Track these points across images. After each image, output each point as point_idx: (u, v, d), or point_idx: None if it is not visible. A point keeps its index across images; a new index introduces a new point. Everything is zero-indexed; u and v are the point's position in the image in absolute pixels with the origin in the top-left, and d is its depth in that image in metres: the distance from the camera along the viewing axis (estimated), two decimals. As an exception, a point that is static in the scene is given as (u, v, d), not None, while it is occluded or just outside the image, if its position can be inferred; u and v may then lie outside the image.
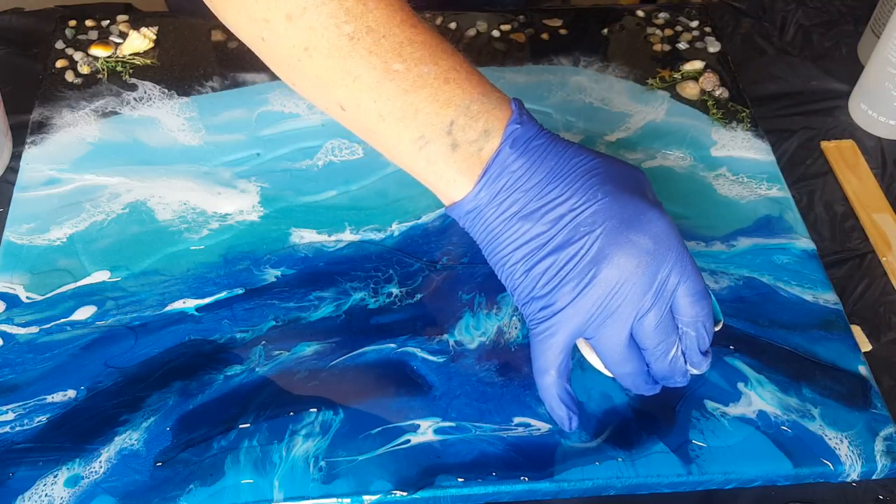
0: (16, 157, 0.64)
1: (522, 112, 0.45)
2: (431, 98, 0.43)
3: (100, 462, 0.49)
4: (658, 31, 0.77)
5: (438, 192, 0.46)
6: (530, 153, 0.43)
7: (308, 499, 0.48)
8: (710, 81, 0.73)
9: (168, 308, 0.56)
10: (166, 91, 0.69)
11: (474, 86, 0.44)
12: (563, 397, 0.48)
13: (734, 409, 0.53)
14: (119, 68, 0.70)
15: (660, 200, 0.47)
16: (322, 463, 0.49)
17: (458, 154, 0.43)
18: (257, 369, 0.53)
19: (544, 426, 0.51)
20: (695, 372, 0.49)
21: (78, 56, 0.71)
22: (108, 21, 0.74)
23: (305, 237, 0.60)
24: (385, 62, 0.42)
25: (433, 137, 0.43)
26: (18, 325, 0.54)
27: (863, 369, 0.55)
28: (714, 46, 0.76)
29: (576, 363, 0.54)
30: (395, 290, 0.58)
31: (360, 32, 0.42)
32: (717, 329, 0.50)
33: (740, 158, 0.67)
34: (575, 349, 0.51)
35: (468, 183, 0.44)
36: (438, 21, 0.76)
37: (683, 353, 0.47)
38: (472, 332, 0.56)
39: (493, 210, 0.44)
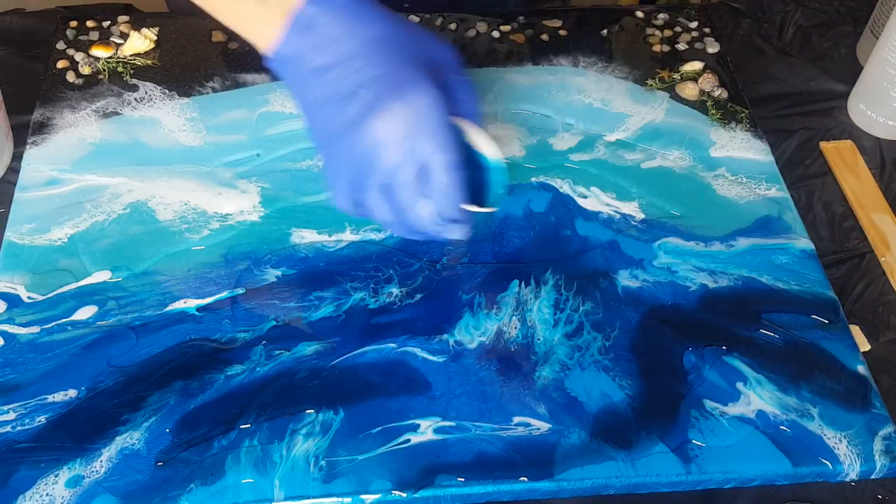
0: (17, 157, 0.64)
1: None
2: None
3: (101, 461, 0.49)
4: (657, 32, 0.77)
5: (256, 47, 0.50)
6: (331, 11, 0.48)
7: (308, 498, 0.48)
8: (709, 82, 0.73)
9: (169, 308, 0.56)
10: (167, 92, 0.69)
11: None
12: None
13: (733, 409, 0.53)
14: (120, 69, 0.70)
15: (466, 79, 0.51)
16: (322, 462, 0.50)
17: (266, 9, 0.48)
18: (258, 369, 0.53)
19: (544, 426, 0.52)
20: (455, 234, 0.51)
21: (79, 57, 0.71)
22: (109, 22, 0.74)
23: (306, 237, 0.60)
24: None
25: None
26: (20, 324, 0.54)
27: (861, 369, 0.55)
28: (713, 47, 0.76)
29: (574, 363, 0.54)
30: (395, 290, 0.58)
31: None
32: (487, 211, 0.53)
33: (739, 159, 0.67)
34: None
35: (275, 35, 0.48)
36: (438, 22, 0.77)
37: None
38: (472, 332, 0.56)
39: (297, 63, 0.48)
